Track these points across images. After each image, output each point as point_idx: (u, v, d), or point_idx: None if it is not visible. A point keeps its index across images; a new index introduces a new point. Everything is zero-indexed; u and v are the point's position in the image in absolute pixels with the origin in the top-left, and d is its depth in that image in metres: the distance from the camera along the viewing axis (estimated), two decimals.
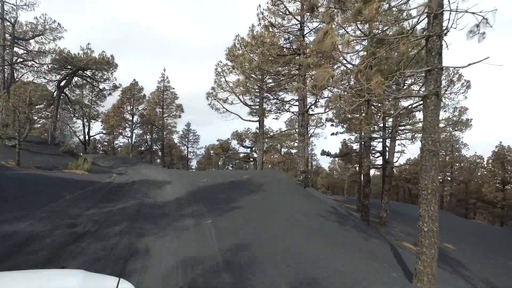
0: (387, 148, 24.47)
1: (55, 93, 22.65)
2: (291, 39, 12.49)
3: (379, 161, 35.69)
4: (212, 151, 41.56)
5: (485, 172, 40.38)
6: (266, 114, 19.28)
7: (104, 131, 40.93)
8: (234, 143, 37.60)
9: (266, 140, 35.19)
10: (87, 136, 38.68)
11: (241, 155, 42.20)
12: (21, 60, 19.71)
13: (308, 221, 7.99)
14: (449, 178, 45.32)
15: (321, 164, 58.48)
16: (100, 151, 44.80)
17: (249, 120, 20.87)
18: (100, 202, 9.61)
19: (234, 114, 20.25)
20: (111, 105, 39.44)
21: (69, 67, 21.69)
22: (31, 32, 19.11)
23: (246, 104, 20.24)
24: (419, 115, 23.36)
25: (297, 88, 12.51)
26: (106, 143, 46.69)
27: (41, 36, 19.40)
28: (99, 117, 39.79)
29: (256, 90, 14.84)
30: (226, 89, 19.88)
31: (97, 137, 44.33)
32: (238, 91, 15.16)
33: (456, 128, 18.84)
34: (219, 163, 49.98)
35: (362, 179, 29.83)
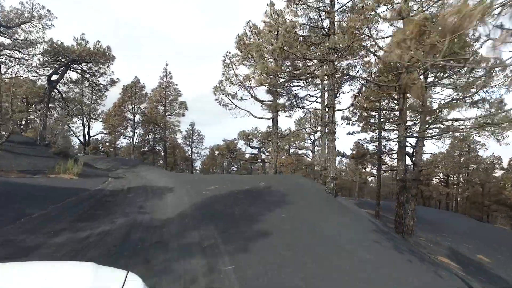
0: (407, 149, 21.92)
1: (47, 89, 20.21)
2: (321, 16, 9.97)
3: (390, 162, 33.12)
4: (217, 152, 39.03)
5: (507, 174, 37.55)
6: (281, 109, 16.68)
7: (104, 131, 38.56)
8: (240, 144, 35.02)
9: (270, 140, 32.63)
10: (87, 136, 36.40)
11: (247, 155, 39.65)
12: (3, 49, 17.22)
13: (369, 254, 5.46)
14: (462, 180, 42.62)
15: None
16: (102, 152, 42.45)
17: (262, 118, 18.32)
18: (79, 221, 7.09)
19: (245, 110, 17.75)
20: (112, 104, 37.19)
21: (61, 60, 19.22)
22: (17, 19, 16.64)
23: (257, 100, 17.68)
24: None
25: (327, 73, 9.97)
26: (108, 144, 44.33)
27: (28, 23, 16.92)
28: (99, 117, 37.48)
29: (278, 77, 12.32)
30: (236, 82, 17.39)
31: (99, 137, 42.03)
32: (255, 79, 12.59)
33: (499, 127, 16.11)
34: (224, 164, 47.45)
35: (379, 182, 27.24)
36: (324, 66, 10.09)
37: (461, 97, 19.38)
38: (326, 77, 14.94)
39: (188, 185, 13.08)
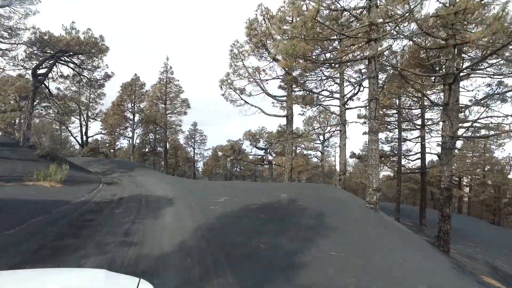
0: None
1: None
2: None
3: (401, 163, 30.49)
4: (220, 153, 36.49)
5: None
6: (308, 103, 14.13)
7: (103, 132, 36.09)
8: (246, 144, 32.42)
9: (282, 140, 30.09)
10: (84, 137, 33.95)
11: (250, 157, 37.11)
12: None
13: None
14: (473, 182, 40.03)
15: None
16: (101, 153, 40.03)
17: (275, 115, 15.75)
18: (28, 262, 4.60)
19: (255, 107, 15.17)
20: (111, 103, 34.74)
21: (48, 51, 16.75)
22: None
23: (269, 95, 15.16)
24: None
25: (377, 53, 7.45)
26: (107, 145, 41.85)
27: (7, 7, 14.44)
28: (98, 116, 35.05)
29: (307, 60, 9.68)
30: (245, 75, 14.86)
31: (99, 138, 39.56)
32: (280, 62, 9.81)
33: None
34: (227, 165, 44.90)
35: (399, 186, 24.65)
36: (374, 44, 7.50)
37: (497, 91, 16.91)
38: (345, 67, 12.49)
39: (191, 195, 10.60)
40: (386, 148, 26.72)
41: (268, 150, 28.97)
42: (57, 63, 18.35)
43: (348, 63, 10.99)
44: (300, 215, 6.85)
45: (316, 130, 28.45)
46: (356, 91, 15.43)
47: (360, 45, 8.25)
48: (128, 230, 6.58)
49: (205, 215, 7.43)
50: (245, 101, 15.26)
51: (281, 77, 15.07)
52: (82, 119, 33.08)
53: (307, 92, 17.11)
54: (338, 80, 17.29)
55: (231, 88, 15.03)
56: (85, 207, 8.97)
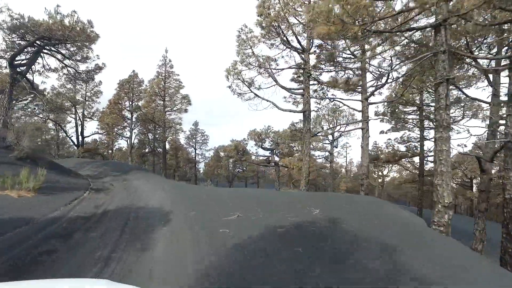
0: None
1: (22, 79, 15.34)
2: None
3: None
4: (223, 153, 34.08)
5: None
6: (343, 88, 11.67)
7: (100, 131, 33.71)
8: (251, 144, 30.00)
9: (287, 141, 27.73)
10: (80, 137, 31.56)
11: (253, 157, 34.72)
12: None
13: None
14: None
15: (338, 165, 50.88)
16: (98, 154, 37.63)
17: (290, 111, 13.37)
18: None
19: (267, 101, 12.71)
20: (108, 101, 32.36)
21: (29, 38, 14.40)
22: None
23: (283, 87, 12.77)
24: None
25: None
26: (106, 145, 39.44)
27: None
28: (94, 115, 32.69)
29: (364, 22, 6.87)
30: (255, 64, 12.52)
31: (97, 138, 37.15)
32: (318, 29, 7.29)
33: None
34: (230, 166, 42.49)
35: (421, 190, 22.34)
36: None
37: None
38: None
39: (193, 208, 8.20)
40: (402, 148, 24.45)
41: (274, 150, 26.58)
42: (42, 54, 16.00)
43: (410, 32, 8.57)
44: (357, 250, 4.46)
45: (336, 128, 26.04)
46: (384, 83, 13.12)
47: (428, 6, 5.88)
48: (97, 275, 4.21)
49: (213, 245, 5.06)
50: (255, 94, 12.88)
51: (295, 66, 12.73)
52: (77, 118, 30.72)
53: (321, 85, 14.72)
54: (357, 72, 14.93)
55: (239, 79, 12.70)
56: (51, 228, 6.57)
